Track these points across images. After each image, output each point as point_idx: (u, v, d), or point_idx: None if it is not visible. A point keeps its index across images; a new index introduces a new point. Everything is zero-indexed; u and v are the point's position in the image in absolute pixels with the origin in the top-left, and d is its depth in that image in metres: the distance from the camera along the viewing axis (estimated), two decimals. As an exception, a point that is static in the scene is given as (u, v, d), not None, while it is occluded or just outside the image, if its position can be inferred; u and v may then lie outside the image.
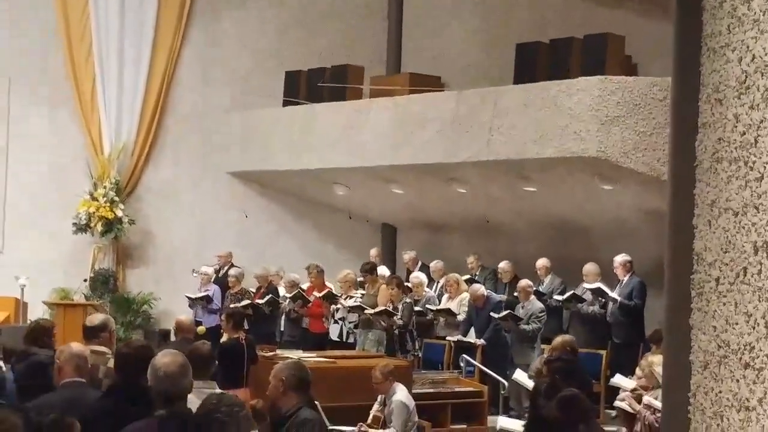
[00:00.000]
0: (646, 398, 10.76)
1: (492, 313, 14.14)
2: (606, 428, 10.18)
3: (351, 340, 15.12)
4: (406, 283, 15.14)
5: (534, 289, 14.35)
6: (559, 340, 10.76)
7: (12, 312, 15.12)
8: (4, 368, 8.40)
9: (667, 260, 4.20)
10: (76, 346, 7.06)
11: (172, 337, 16.63)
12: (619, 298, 13.79)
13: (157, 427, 5.54)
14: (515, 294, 14.45)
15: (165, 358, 5.82)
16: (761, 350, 3.55)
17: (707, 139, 3.92)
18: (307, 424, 6.62)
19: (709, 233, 3.85)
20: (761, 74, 3.62)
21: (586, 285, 14.10)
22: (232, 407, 5.05)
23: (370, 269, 15.38)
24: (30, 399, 6.52)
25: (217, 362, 8.99)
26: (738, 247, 3.68)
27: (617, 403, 11.99)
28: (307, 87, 17.97)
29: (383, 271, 16.01)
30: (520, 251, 16.13)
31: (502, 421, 11.11)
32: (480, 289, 14.57)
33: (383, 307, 14.11)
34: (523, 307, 14.02)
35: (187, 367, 5.83)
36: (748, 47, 3.66)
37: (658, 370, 9.08)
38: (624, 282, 13.93)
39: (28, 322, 13.05)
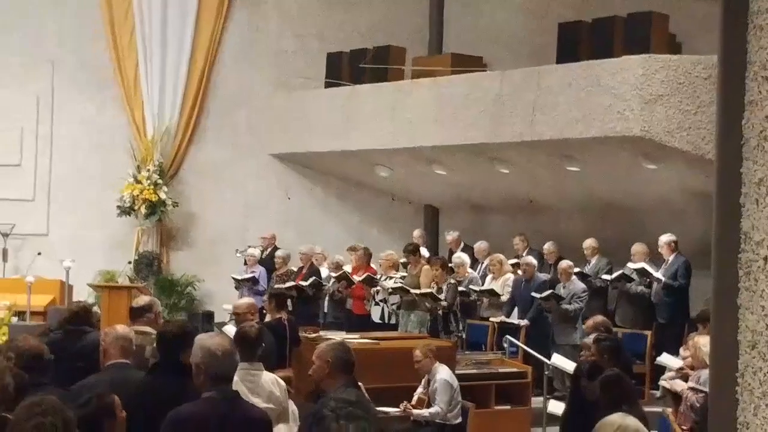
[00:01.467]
0: (692, 379, 10.69)
1: (534, 293, 14.11)
2: (650, 409, 10.12)
3: (393, 321, 15.13)
4: (449, 264, 15.12)
5: (578, 270, 14.30)
6: (590, 321, 10.72)
7: (57, 294, 15.27)
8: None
9: (714, 240, 4.16)
10: (121, 328, 7.12)
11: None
12: (663, 278, 13.70)
13: (207, 407, 5.56)
14: (558, 274, 14.40)
15: (215, 339, 5.86)
16: (810, 330, 3.51)
17: (754, 117, 3.87)
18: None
19: (757, 212, 3.80)
20: (809, 50, 3.57)
21: (630, 265, 14.02)
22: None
23: (413, 250, 15.37)
24: (74, 381, 6.57)
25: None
26: (786, 226, 3.64)
27: (661, 383, 11.94)
28: (349, 68, 17.95)
29: (424, 252, 15.99)
30: (563, 231, 16.06)
31: (553, 405, 11.07)
32: (533, 260, 14.54)
33: (428, 290, 14.11)
34: (564, 287, 13.97)
35: (235, 348, 5.86)
36: (796, 23, 3.62)
37: (705, 350, 9.00)
38: (669, 262, 13.83)
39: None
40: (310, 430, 3.82)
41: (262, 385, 7.41)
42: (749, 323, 3.84)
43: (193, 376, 5.76)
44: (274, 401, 7.38)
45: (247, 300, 11.37)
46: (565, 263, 14.20)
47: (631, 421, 4.98)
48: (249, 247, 17.32)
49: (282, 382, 8.11)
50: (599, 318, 10.67)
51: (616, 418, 4.98)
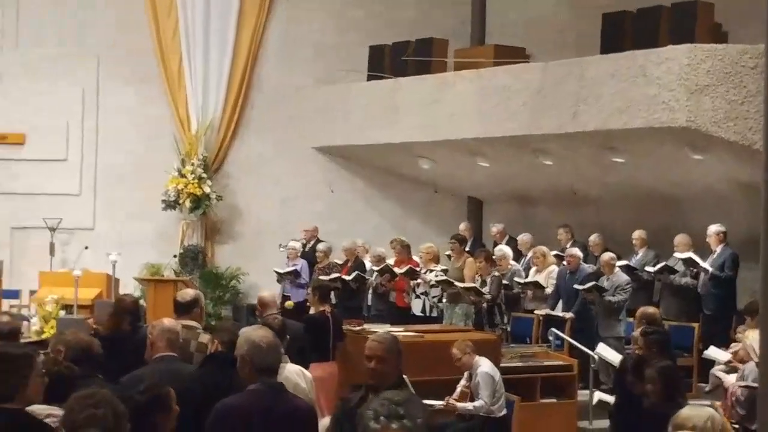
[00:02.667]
0: (738, 373, 10.62)
1: (576, 285, 14.02)
2: (698, 402, 10.04)
3: (434, 314, 15.10)
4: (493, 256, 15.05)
5: (624, 263, 14.19)
6: (638, 313, 10.64)
7: (104, 288, 15.37)
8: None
9: (763, 231, 4.11)
10: (168, 322, 7.16)
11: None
12: (710, 269, 13.57)
13: (252, 399, 5.59)
14: (601, 266, 14.30)
15: (260, 331, 5.89)
16: None
17: (804, 106, 3.83)
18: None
19: (807, 203, 3.76)
20: None
21: (677, 255, 13.91)
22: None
23: (461, 239, 15.34)
24: (121, 374, 6.61)
25: (292, 336, 9.07)
26: (838, 217, 3.60)
27: (716, 372, 11.84)
28: (391, 61, 17.94)
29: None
30: (607, 223, 15.96)
31: (599, 394, 11.02)
32: (578, 252, 14.46)
33: (472, 284, 14.06)
34: (608, 280, 13.87)
35: (278, 340, 5.89)
36: None
37: (753, 344, 8.93)
38: (717, 253, 13.70)
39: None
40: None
41: (287, 377, 7.38)
42: (800, 315, 3.81)
43: (238, 369, 5.79)
44: (300, 393, 7.38)
45: (270, 292, 11.47)
46: (607, 255, 14.10)
47: (717, 414, 4.95)
48: (291, 240, 17.35)
49: (308, 374, 8.13)
50: (649, 309, 10.59)
51: (704, 410, 4.96)
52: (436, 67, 17.08)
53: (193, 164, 18.46)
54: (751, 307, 11.41)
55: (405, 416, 3.55)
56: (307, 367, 9.74)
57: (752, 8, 12.06)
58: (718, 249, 13.69)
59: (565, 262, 14.62)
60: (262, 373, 5.70)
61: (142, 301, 16.16)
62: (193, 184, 18.33)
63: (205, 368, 6.54)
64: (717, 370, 11.98)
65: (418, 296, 15.35)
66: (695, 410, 4.95)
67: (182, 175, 18.42)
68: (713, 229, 13.73)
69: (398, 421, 3.52)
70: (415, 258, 15.83)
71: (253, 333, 5.89)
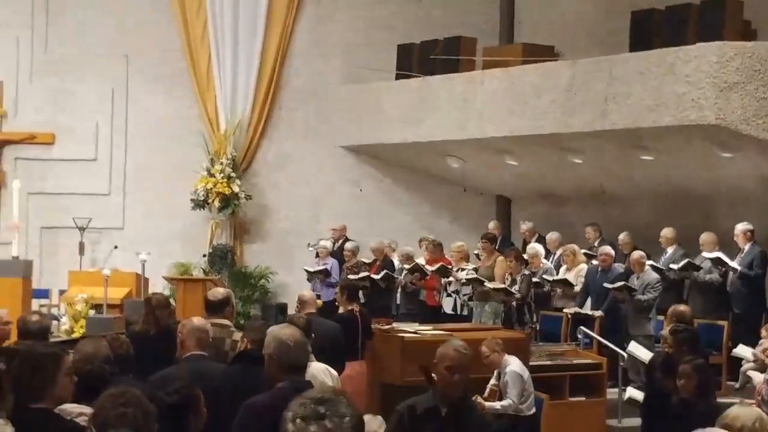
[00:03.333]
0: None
1: (606, 284, 13.99)
2: (728, 400, 10.00)
3: (465, 312, 15.10)
4: (523, 255, 15.05)
5: (650, 263, 14.16)
6: (670, 309, 10.62)
7: (134, 287, 15.43)
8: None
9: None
10: (198, 321, 7.19)
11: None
12: (739, 268, 13.52)
13: (280, 397, 5.60)
14: (631, 264, 14.26)
15: (288, 330, 5.91)
16: None
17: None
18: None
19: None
20: None
21: (705, 254, 13.86)
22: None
23: (491, 238, 15.34)
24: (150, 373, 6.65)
25: (324, 335, 9.09)
26: None
27: (747, 371, 11.81)
28: (419, 59, 17.94)
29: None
30: (636, 221, 15.91)
31: (630, 391, 11.01)
32: (610, 250, 14.42)
33: (501, 285, 14.06)
34: (638, 278, 13.84)
35: (306, 339, 5.90)
36: None
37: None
38: (745, 251, 13.65)
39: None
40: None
41: (314, 376, 7.39)
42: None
43: (266, 367, 5.80)
44: None
45: (310, 292, 11.54)
46: (637, 254, 14.06)
47: (765, 416, 4.93)
48: (320, 239, 17.37)
49: (334, 372, 8.15)
50: (680, 308, 10.56)
51: (753, 411, 4.95)
52: (465, 65, 17.07)
53: (221, 163, 18.52)
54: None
55: (326, 416, 3.31)
56: (343, 366, 9.81)
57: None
58: (746, 247, 13.64)
59: (596, 261, 14.58)
60: (289, 371, 5.71)
61: (171, 300, 16.30)
62: (222, 183, 18.39)
63: (234, 366, 6.57)
64: (747, 369, 11.95)
65: (449, 294, 15.37)
66: (744, 410, 4.94)
67: (211, 175, 18.48)
68: (741, 227, 13.68)
69: (317, 423, 3.29)
70: (447, 256, 15.85)
71: (280, 332, 5.91)
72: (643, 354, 11.90)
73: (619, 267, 14.45)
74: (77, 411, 5.29)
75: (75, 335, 11.94)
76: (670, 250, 14.67)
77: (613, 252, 14.49)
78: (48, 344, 6.86)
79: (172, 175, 18.82)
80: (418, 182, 19.28)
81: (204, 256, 18.42)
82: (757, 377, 11.16)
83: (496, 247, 15.53)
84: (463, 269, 15.03)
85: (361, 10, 19.12)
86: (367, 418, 6.75)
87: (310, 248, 17.39)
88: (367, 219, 18.62)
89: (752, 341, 12.71)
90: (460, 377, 5.95)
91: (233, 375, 6.42)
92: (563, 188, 17.34)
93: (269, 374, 5.78)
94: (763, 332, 12.37)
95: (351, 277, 15.17)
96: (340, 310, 11.68)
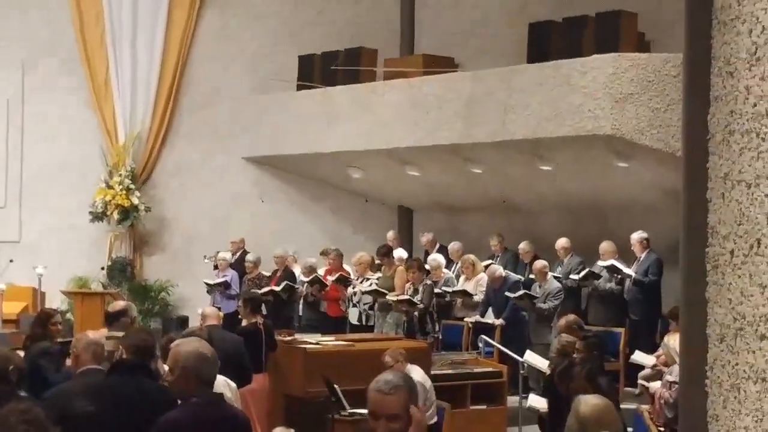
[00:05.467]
0: (667, 375, 10.78)
1: (508, 293, 14.15)
2: (625, 406, 10.19)
3: (371, 323, 15.13)
4: (425, 266, 15.12)
5: (550, 273, 14.34)
6: (563, 321, 10.82)
7: (30, 302, 15.20)
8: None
9: (681, 235, 4.19)
10: (93, 334, 7.13)
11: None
12: (633, 275, 13.77)
13: (198, 411, 5.54)
14: (534, 274, 14.45)
15: (200, 343, 5.85)
16: (776, 322, 3.55)
17: (719, 112, 3.90)
18: None
19: (723, 206, 3.84)
20: (772, 45, 3.61)
21: (600, 263, 14.10)
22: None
23: (386, 252, 15.40)
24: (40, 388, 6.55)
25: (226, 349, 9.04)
26: (751, 219, 3.67)
27: (640, 381, 12.04)
28: (321, 70, 17.94)
29: (401, 253, 16.00)
30: (538, 230, 16.11)
31: (532, 399, 11.13)
32: (498, 270, 14.59)
33: (405, 296, 14.11)
34: (540, 287, 14.03)
35: (215, 353, 5.82)
36: (757, 19, 3.66)
37: (675, 346, 9.12)
38: (641, 259, 13.91)
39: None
40: None
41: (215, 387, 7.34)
42: (717, 317, 3.87)
43: (176, 381, 5.69)
44: None
45: (212, 308, 11.57)
46: (539, 263, 14.26)
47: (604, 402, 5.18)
48: (219, 252, 17.24)
49: (233, 384, 8.15)
50: (572, 317, 10.76)
51: (597, 399, 5.19)
52: (366, 76, 17.12)
53: (120, 175, 18.30)
54: (674, 311, 11.60)
55: None
56: (247, 379, 9.78)
57: (674, 18, 12.27)
58: (642, 255, 13.91)
59: (489, 282, 14.69)
60: (205, 385, 5.65)
61: (69, 315, 16.04)
62: (121, 195, 18.17)
63: (113, 377, 6.39)
64: (642, 378, 12.18)
65: (354, 305, 15.38)
66: (594, 399, 5.27)
67: (110, 187, 18.26)
68: (636, 236, 13.96)
69: None
70: (347, 267, 15.86)
71: (198, 345, 5.81)
72: (540, 363, 12.05)
73: (515, 277, 14.68)
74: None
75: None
76: (566, 260, 14.88)
77: (502, 273, 14.60)
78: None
79: (70, 187, 18.54)
80: (322, 193, 19.27)
81: (103, 269, 18.17)
82: (653, 385, 11.38)
83: (397, 258, 15.57)
84: (367, 279, 15.05)
85: (262, 20, 19.06)
86: (278, 430, 6.74)
87: (206, 260, 17.25)
88: (271, 230, 18.53)
89: (649, 346, 12.94)
90: (388, 426, 4.23)
91: (114, 385, 6.27)
92: (465, 198, 17.47)
93: (180, 387, 5.65)
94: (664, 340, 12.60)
95: (255, 291, 15.10)
96: (243, 323, 11.62)
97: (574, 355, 9.38)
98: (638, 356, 12.53)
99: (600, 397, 5.50)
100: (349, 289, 15.42)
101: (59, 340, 9.13)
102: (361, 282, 15.15)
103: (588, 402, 5.32)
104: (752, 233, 3.66)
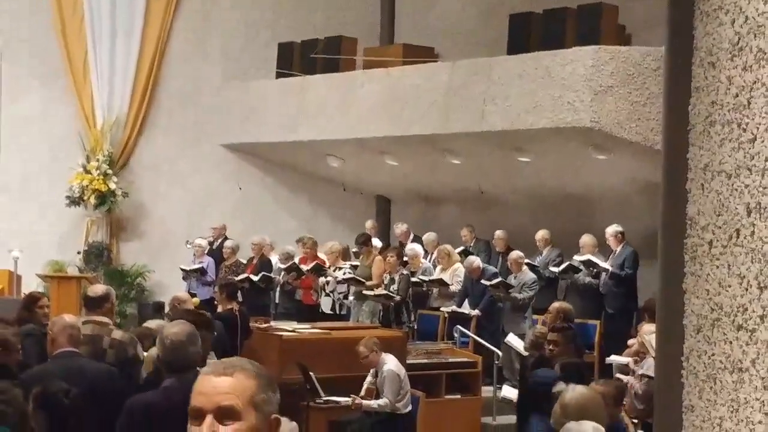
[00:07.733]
0: (638, 367, 10.82)
1: (483, 281, 14.19)
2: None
3: (344, 312, 15.14)
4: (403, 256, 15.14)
5: (527, 261, 14.39)
6: (556, 305, 10.84)
7: (6, 285, 15.13)
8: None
9: (660, 226, 4.19)
10: (69, 318, 7.08)
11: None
12: (610, 268, 13.81)
13: (165, 396, 5.52)
14: (509, 264, 14.49)
15: (173, 328, 5.84)
16: (754, 311, 3.56)
17: (700, 102, 3.90)
18: None
19: (702, 197, 3.84)
20: (754, 35, 3.61)
21: (576, 257, 14.14)
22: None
23: (364, 241, 15.40)
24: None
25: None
26: (731, 210, 3.67)
27: (617, 373, 12.07)
28: (300, 58, 17.91)
29: (375, 243, 16.01)
30: (514, 222, 16.13)
31: (506, 390, 11.17)
32: (475, 261, 14.61)
33: (382, 291, 14.13)
34: (515, 278, 14.07)
35: (195, 336, 5.80)
36: (740, 8, 3.65)
37: (649, 338, 9.15)
38: (617, 252, 13.95)
39: (22, 295, 13.04)
40: None
41: None
42: (695, 307, 3.88)
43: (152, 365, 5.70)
44: None
45: (185, 293, 11.54)
46: (515, 254, 14.30)
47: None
48: (197, 238, 17.22)
49: None
50: (564, 305, 10.80)
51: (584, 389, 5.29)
52: (346, 65, 17.10)
53: (98, 160, 18.23)
54: (649, 304, 11.65)
55: None
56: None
57: (655, 11, 12.32)
58: (618, 249, 13.95)
59: (467, 273, 14.71)
60: (175, 370, 5.63)
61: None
62: (98, 180, 18.09)
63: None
64: (619, 373, 12.20)
65: (327, 294, 15.38)
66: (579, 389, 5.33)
67: (87, 171, 18.18)
68: (611, 230, 13.99)
69: None
70: (322, 256, 15.85)
71: (165, 330, 5.82)
72: (520, 346, 12.09)
73: (492, 268, 14.72)
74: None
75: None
76: (545, 251, 14.92)
77: (479, 265, 14.62)
78: None
79: (47, 172, 18.45)
80: (300, 181, 19.24)
81: (79, 253, 18.10)
82: (629, 379, 11.40)
83: (374, 247, 15.59)
84: (340, 268, 15.05)
85: (241, 8, 19.00)
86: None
87: (188, 246, 17.23)
88: (248, 218, 18.49)
89: (624, 340, 12.97)
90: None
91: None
92: (442, 189, 17.48)
93: (153, 372, 5.64)
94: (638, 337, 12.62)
95: (232, 278, 15.08)
96: (219, 309, 11.62)
97: (550, 347, 9.40)
98: (614, 358, 12.57)
99: (589, 387, 5.59)
100: (321, 279, 15.42)
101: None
102: (334, 271, 15.14)
103: (575, 390, 5.39)
104: (731, 224, 3.66)
